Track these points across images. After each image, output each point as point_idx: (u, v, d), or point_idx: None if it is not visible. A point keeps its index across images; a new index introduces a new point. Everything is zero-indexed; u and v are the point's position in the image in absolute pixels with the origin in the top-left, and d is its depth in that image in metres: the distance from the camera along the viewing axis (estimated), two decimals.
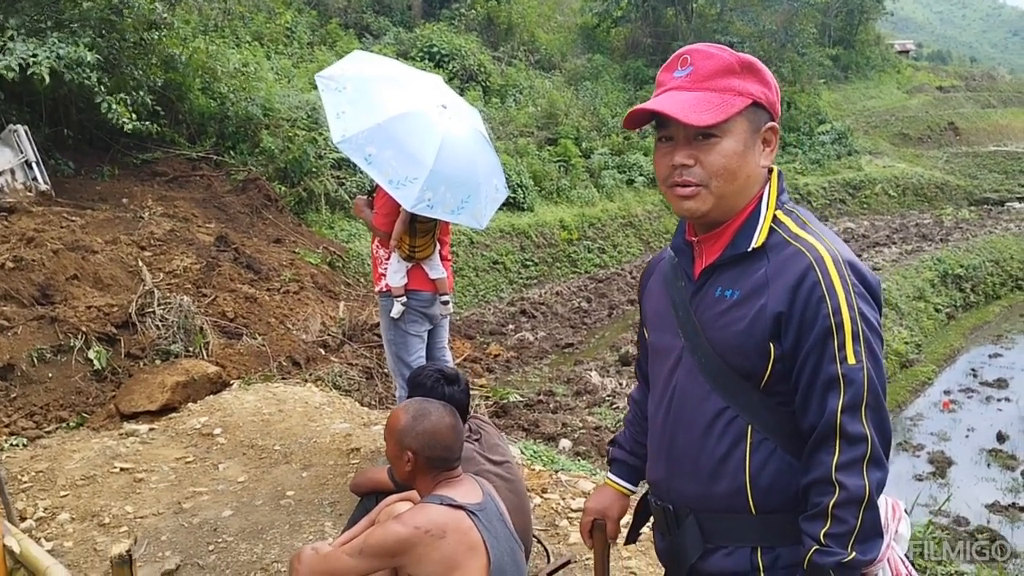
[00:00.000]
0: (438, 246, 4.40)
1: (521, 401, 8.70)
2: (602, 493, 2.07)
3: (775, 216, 1.66)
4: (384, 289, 4.33)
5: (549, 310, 13.42)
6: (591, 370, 10.18)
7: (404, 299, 4.26)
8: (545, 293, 14.35)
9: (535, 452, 5.66)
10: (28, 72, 8.08)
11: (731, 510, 1.64)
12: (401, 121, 3.79)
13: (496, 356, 10.52)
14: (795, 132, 25.25)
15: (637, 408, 2.07)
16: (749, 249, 1.63)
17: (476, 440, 3.01)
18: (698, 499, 1.69)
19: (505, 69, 21.53)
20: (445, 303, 4.48)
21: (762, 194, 1.68)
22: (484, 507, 2.29)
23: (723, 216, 1.66)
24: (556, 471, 4.93)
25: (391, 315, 4.31)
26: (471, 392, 3.78)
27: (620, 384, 9.57)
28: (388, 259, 4.29)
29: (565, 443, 7.56)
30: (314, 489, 4.27)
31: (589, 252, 16.38)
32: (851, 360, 1.52)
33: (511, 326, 12.34)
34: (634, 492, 2.06)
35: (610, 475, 2.08)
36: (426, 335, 4.44)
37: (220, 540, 3.74)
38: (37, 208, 8.16)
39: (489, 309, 13.09)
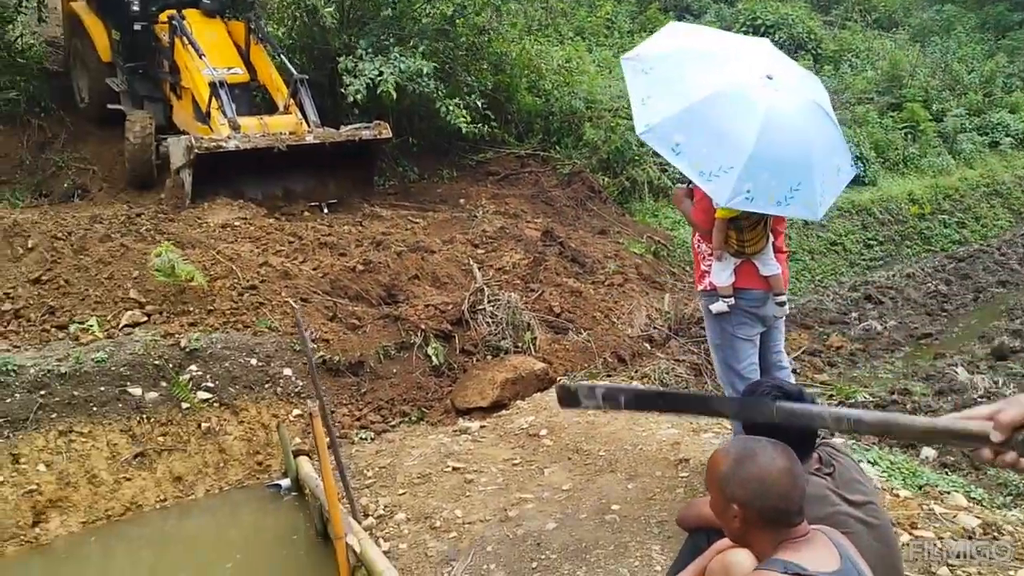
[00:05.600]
0: (771, 238, 3.88)
1: (871, 401, 7.76)
2: None
3: None
4: (708, 288, 3.92)
5: (899, 295, 11.99)
6: (956, 365, 8.83)
7: (732, 300, 3.82)
8: (893, 276, 12.86)
9: (892, 464, 4.92)
10: (378, 91, 8.82)
11: None
12: (715, 101, 3.32)
13: (838, 348, 9.57)
14: None
15: None
16: None
17: (828, 475, 2.49)
18: None
19: (838, 33, 19.76)
20: (781, 304, 3.95)
21: None
22: None
23: None
24: (926, 488, 4.23)
25: (712, 311, 3.89)
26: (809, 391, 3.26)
27: (995, 383, 8.15)
28: (711, 254, 3.87)
29: (928, 452, 6.59)
30: (640, 504, 4.00)
31: (945, 227, 14.47)
32: None
33: (854, 314, 11.19)
34: None
35: None
36: (758, 339, 3.95)
37: (543, 556, 3.61)
38: (387, 212, 8.91)
39: (827, 295, 12.01)
